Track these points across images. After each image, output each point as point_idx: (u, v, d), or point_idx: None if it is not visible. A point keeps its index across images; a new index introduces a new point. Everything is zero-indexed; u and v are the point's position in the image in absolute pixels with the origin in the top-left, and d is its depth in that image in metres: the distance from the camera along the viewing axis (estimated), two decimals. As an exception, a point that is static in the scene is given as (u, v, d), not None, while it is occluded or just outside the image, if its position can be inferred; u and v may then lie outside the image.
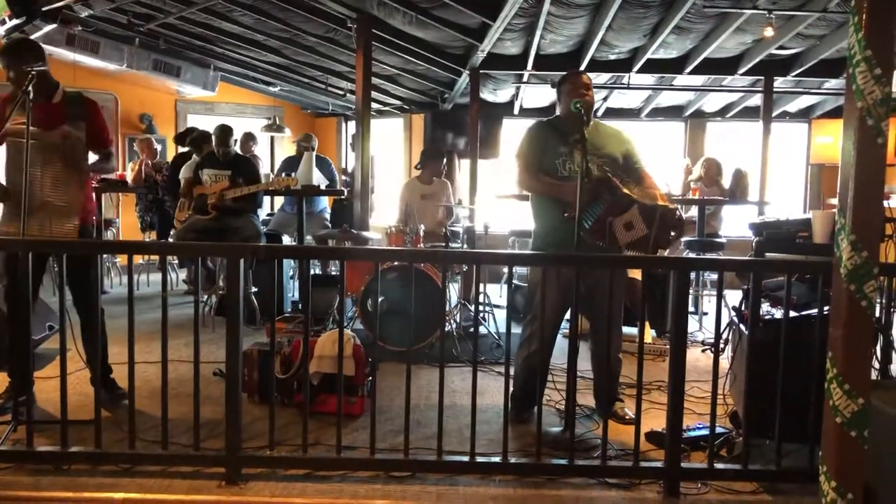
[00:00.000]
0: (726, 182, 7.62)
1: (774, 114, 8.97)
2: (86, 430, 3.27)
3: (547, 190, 3.75)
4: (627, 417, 3.92)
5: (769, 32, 6.03)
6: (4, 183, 3.81)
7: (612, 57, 7.61)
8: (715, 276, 8.04)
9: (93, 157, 4.01)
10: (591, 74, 7.72)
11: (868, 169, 1.80)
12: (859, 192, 1.80)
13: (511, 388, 3.83)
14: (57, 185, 3.79)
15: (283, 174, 7.09)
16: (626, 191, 3.43)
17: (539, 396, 3.48)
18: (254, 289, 6.22)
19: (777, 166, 8.74)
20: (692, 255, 6.91)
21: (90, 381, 3.40)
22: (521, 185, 3.87)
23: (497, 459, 3.16)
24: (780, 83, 8.12)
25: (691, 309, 7.59)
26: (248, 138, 8.27)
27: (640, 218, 3.35)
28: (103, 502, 2.91)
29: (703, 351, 5.75)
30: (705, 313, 7.04)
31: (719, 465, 3.16)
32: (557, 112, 3.98)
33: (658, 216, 3.37)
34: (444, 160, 7.16)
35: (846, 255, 1.81)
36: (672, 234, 3.46)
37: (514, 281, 6.96)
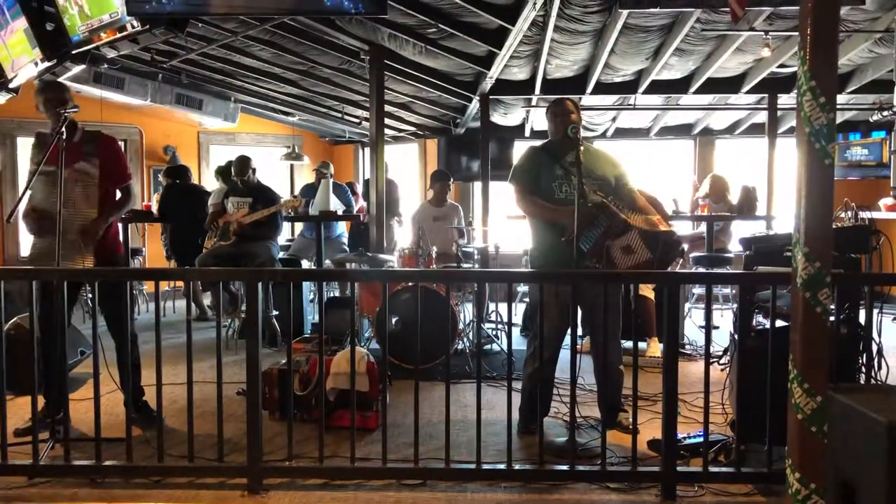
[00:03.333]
0: (734, 198, 7.74)
1: (783, 130, 9.08)
2: (118, 446, 3.50)
3: (543, 213, 3.91)
4: (631, 427, 4.07)
5: (766, 52, 6.19)
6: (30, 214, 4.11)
7: (618, 79, 7.78)
8: (726, 291, 8.26)
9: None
10: (598, 96, 8.00)
11: (817, 188, 1.99)
12: (810, 208, 1.99)
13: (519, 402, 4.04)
14: (75, 218, 4.06)
15: (295, 197, 7.42)
16: (623, 216, 3.63)
17: (543, 409, 3.66)
18: (275, 312, 6.46)
19: (787, 182, 8.84)
20: (702, 270, 7.05)
21: (123, 403, 3.66)
22: (519, 208, 4.05)
23: (502, 466, 3.34)
24: (784, 100, 8.25)
25: (703, 323, 7.69)
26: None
27: (642, 243, 3.56)
28: (136, 512, 3.14)
29: (711, 363, 5.83)
30: (716, 327, 7.14)
31: (714, 469, 3.32)
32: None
33: (661, 242, 3.58)
34: (450, 181, 7.52)
35: (801, 265, 1.99)
36: (674, 255, 3.70)
37: (526, 299, 7.20)
